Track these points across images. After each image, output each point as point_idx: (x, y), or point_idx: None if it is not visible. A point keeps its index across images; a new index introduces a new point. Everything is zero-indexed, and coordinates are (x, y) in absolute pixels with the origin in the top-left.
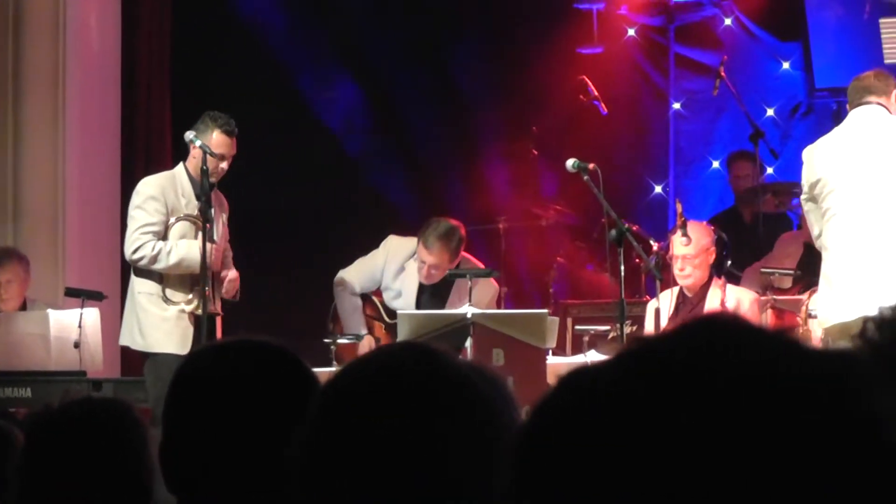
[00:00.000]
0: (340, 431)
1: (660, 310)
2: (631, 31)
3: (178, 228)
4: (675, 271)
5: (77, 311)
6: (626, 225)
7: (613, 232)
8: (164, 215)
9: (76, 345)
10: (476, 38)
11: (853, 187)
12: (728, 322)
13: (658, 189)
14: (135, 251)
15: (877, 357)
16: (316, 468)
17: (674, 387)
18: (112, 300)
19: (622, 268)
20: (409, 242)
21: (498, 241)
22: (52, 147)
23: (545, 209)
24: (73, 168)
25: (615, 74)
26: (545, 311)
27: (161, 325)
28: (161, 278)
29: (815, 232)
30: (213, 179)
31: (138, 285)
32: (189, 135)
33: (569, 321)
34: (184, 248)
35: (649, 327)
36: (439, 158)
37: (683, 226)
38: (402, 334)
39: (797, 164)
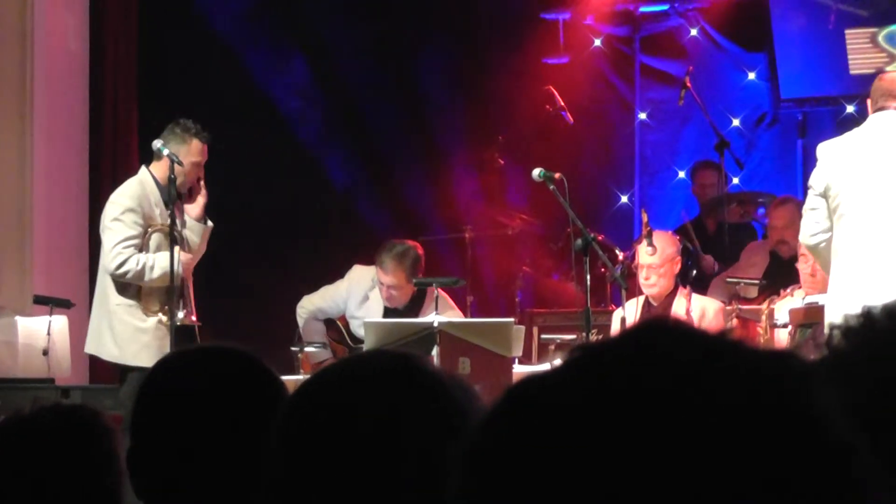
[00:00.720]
0: (311, 436)
1: (625, 319)
2: (597, 42)
3: (154, 239)
4: (641, 280)
5: (45, 318)
6: (592, 234)
7: (579, 241)
8: (142, 226)
9: (45, 352)
10: (443, 48)
11: (866, 192)
12: (667, 327)
13: (624, 199)
14: (119, 266)
15: (842, 364)
16: (285, 475)
17: (611, 393)
18: (80, 307)
19: (588, 277)
20: (371, 271)
21: (464, 250)
22: (18, 154)
23: (511, 218)
24: (40, 175)
25: (581, 84)
26: (511, 319)
27: (139, 336)
28: (139, 290)
29: (809, 230)
30: (188, 185)
31: (115, 297)
32: (157, 143)
33: (535, 330)
34: (165, 261)
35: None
36: (406, 167)
37: (649, 235)
38: (369, 343)
39: (762, 174)
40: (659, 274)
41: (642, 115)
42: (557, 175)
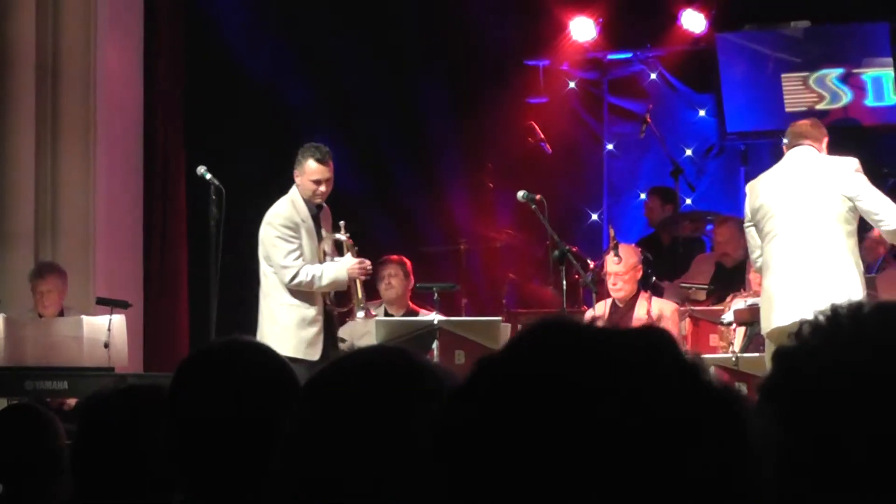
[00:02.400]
0: (324, 424)
1: (595, 318)
2: (571, 84)
3: (308, 249)
4: (609, 285)
5: (106, 317)
6: (567, 246)
7: (556, 252)
8: (297, 238)
9: (105, 345)
10: (441, 87)
11: (790, 213)
12: (546, 335)
13: (594, 216)
14: (292, 278)
15: (810, 356)
16: (299, 460)
17: (500, 401)
18: (135, 308)
19: (564, 282)
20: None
21: (459, 260)
22: (83, 180)
23: (499, 233)
24: (102, 197)
25: (558, 120)
26: (499, 318)
27: (299, 332)
28: (301, 291)
29: (754, 254)
30: (317, 201)
31: (278, 297)
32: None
33: (518, 327)
34: (333, 271)
35: None
36: (409, 189)
37: (615, 247)
38: (378, 338)
39: (710, 196)
40: (624, 280)
41: (609, 146)
42: (538, 196)
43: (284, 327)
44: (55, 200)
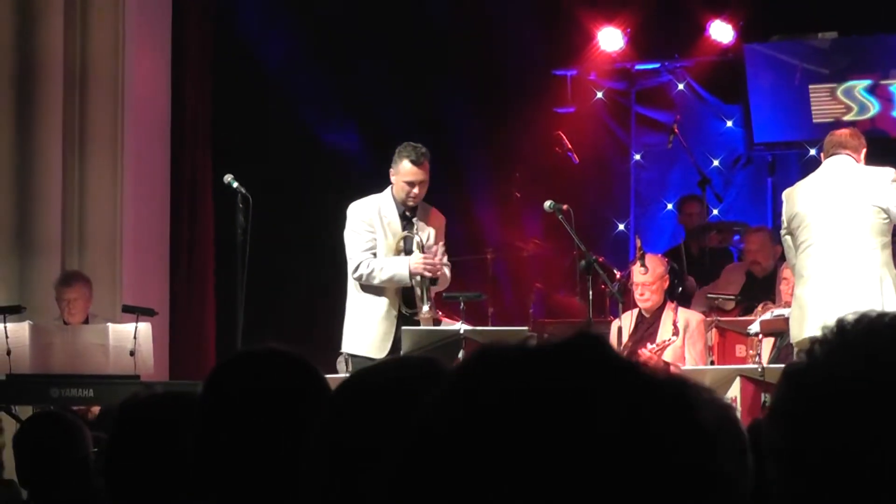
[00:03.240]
0: (349, 432)
1: (622, 328)
2: (599, 94)
3: (385, 245)
4: (636, 296)
5: (132, 325)
6: (594, 256)
7: (583, 262)
8: (372, 232)
9: (131, 353)
10: (471, 97)
11: (825, 223)
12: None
13: (621, 226)
14: (354, 269)
15: (816, 371)
16: (324, 466)
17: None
18: (162, 316)
19: (590, 292)
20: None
21: (486, 269)
22: (110, 188)
23: (526, 243)
24: (129, 206)
25: (585, 130)
26: (525, 328)
27: (369, 330)
28: (375, 287)
29: (791, 262)
30: (410, 202)
31: (354, 294)
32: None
33: (545, 338)
34: (393, 266)
35: (612, 343)
36: (438, 198)
37: (642, 258)
38: (406, 347)
39: (738, 207)
40: (651, 290)
41: (637, 157)
42: (565, 206)
43: (353, 324)
44: (82, 209)
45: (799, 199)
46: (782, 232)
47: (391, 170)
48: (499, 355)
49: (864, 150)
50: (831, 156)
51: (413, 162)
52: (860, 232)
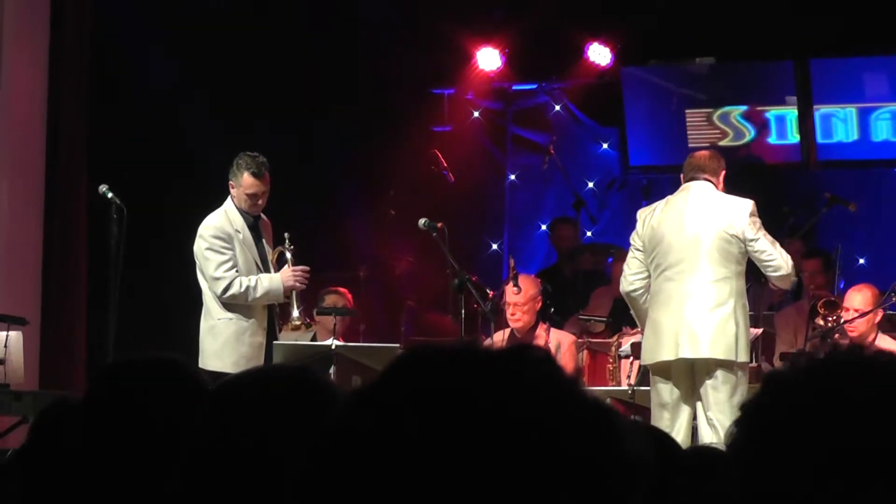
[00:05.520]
0: (223, 430)
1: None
2: (476, 114)
3: (242, 261)
4: (508, 315)
5: (3, 333)
6: (467, 275)
7: (456, 281)
8: (231, 249)
9: (1, 362)
10: (346, 116)
11: (681, 249)
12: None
13: (494, 246)
14: (225, 290)
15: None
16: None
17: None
18: (33, 325)
19: (463, 311)
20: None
21: (358, 286)
22: None
23: (399, 260)
24: (2, 217)
25: (462, 149)
26: (397, 345)
27: (238, 347)
28: (241, 305)
29: (628, 276)
30: (253, 212)
31: (217, 312)
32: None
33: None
34: (266, 283)
35: None
36: (310, 216)
37: (515, 278)
38: (277, 361)
39: (612, 229)
40: (523, 311)
41: (512, 177)
42: (439, 225)
43: (224, 343)
44: None
45: (654, 222)
46: (632, 247)
47: (231, 182)
48: (426, 358)
49: (724, 173)
50: (690, 180)
51: (254, 174)
52: (715, 259)
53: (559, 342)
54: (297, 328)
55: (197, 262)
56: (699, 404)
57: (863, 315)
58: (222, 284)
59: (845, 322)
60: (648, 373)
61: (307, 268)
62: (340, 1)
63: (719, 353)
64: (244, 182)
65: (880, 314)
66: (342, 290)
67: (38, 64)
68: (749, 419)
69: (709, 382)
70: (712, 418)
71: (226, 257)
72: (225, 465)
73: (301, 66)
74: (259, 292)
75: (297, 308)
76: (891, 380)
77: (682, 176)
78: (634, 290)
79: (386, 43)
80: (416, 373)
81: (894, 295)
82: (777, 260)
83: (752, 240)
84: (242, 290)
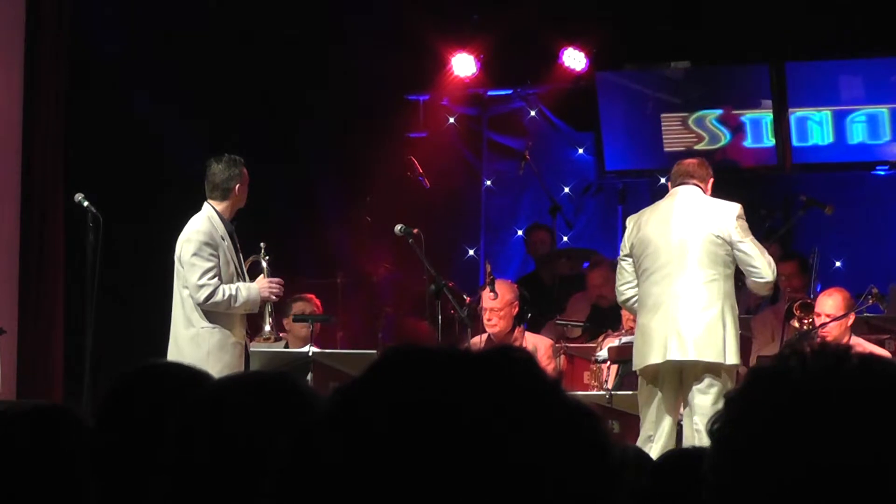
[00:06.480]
0: (210, 433)
1: None
2: (451, 119)
3: (225, 270)
4: (484, 321)
5: None
6: (444, 281)
7: (433, 287)
8: (217, 257)
9: None
10: (321, 122)
11: (669, 252)
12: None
13: (471, 252)
14: (207, 298)
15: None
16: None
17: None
18: (10, 334)
19: (440, 317)
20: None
21: (336, 293)
22: None
23: (376, 266)
24: None
25: (437, 155)
26: (374, 351)
27: (221, 356)
28: (222, 315)
29: (622, 287)
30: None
31: (199, 322)
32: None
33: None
34: (245, 292)
35: None
36: (287, 223)
37: (492, 283)
38: (254, 368)
39: (588, 234)
40: (499, 316)
41: (488, 183)
42: (416, 231)
43: (208, 352)
44: None
45: (643, 226)
46: (621, 255)
47: (236, 183)
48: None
49: (712, 181)
50: (679, 185)
51: (245, 166)
52: (703, 262)
53: (536, 346)
54: (267, 339)
55: (178, 267)
56: (686, 410)
57: (835, 320)
58: (206, 292)
59: (819, 327)
60: (624, 379)
61: (282, 280)
62: (316, 7)
63: (708, 355)
64: (245, 177)
65: (852, 318)
66: (309, 295)
67: (14, 70)
68: (733, 410)
69: (696, 387)
70: (697, 423)
71: (211, 264)
72: (212, 468)
73: (277, 73)
74: (239, 301)
75: (270, 317)
76: (875, 382)
77: (669, 183)
78: (628, 300)
79: (361, 49)
80: (396, 376)
81: (871, 298)
82: (762, 267)
83: (738, 242)
84: (225, 298)
